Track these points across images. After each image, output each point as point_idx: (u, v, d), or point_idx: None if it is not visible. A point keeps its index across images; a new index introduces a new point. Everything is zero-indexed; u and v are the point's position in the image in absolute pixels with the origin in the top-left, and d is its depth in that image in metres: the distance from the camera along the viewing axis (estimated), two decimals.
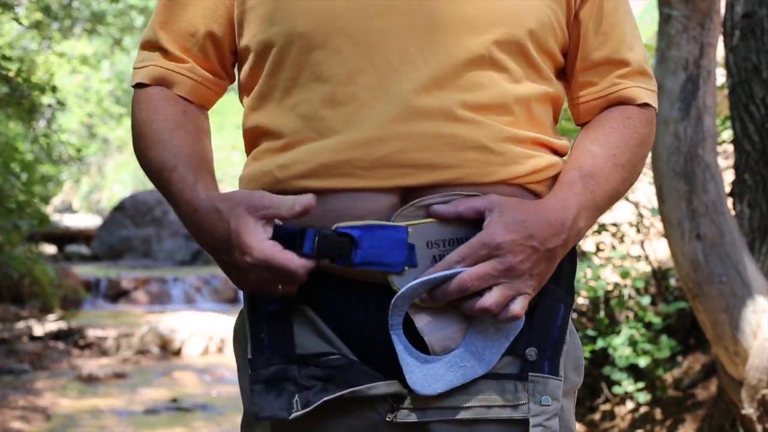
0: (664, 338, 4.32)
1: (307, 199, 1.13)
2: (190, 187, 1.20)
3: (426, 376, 1.17)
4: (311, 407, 1.16)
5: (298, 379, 1.18)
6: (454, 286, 1.14)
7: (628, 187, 1.29)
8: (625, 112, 1.30)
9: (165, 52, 1.32)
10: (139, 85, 1.33)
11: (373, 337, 1.19)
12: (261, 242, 1.12)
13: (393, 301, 1.15)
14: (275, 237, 1.14)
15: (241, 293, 1.28)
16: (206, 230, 1.17)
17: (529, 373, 1.19)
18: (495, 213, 1.15)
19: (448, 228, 1.18)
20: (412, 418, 1.18)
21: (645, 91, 1.32)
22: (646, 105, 1.32)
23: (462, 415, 1.18)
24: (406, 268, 1.16)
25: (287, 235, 1.15)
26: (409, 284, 1.15)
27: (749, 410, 3.28)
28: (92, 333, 8.43)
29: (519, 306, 1.15)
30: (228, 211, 1.14)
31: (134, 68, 1.35)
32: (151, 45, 1.34)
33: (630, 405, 4.57)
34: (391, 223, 1.16)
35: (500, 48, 1.20)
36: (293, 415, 1.16)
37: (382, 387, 1.17)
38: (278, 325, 1.21)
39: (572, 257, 1.27)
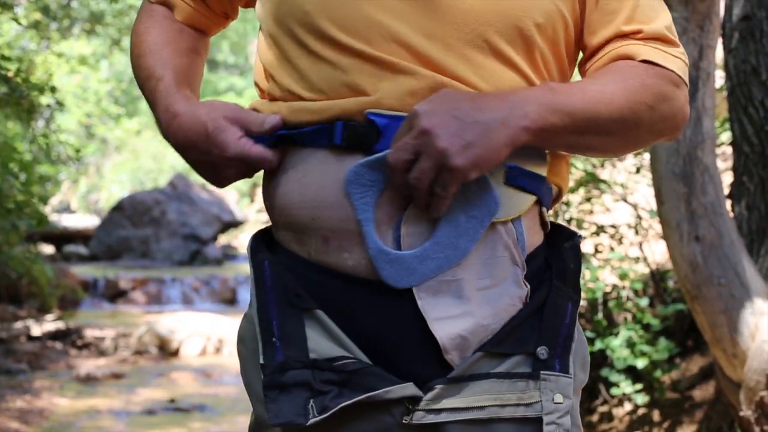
0: (662, 340, 4.32)
1: (275, 119, 1.21)
2: (173, 95, 1.28)
3: (398, 271, 1.17)
4: (329, 413, 1.14)
5: (313, 384, 1.16)
6: (387, 167, 1.13)
7: (627, 128, 1.19)
8: (628, 62, 1.22)
9: None
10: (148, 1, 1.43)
11: (389, 338, 1.19)
12: (236, 140, 1.22)
13: (344, 188, 1.17)
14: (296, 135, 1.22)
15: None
16: (186, 132, 1.24)
17: (541, 372, 1.19)
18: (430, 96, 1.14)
19: None
20: (428, 419, 1.18)
21: (654, 50, 1.22)
22: (653, 64, 1.21)
23: (477, 414, 1.18)
24: None
25: (316, 131, 1.20)
26: (350, 168, 1.17)
27: (747, 412, 3.28)
28: (90, 333, 8.42)
29: (439, 185, 1.11)
30: (206, 115, 1.23)
31: None
32: None
33: (628, 407, 4.57)
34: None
35: (503, 38, 1.19)
36: (311, 421, 1.14)
37: (398, 390, 1.16)
38: (290, 330, 1.20)
39: (577, 255, 1.27)
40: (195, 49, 1.40)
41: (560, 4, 1.22)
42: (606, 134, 1.19)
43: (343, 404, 1.14)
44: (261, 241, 1.28)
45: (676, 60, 1.23)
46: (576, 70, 1.33)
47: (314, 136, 1.20)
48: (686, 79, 1.24)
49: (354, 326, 1.19)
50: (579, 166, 5.00)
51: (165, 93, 1.29)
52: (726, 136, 4.63)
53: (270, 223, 1.32)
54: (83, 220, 16.85)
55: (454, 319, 1.18)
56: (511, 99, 1.13)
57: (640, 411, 4.49)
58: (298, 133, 1.21)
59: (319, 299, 1.20)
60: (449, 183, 1.11)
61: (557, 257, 1.25)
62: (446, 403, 1.18)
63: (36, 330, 8.30)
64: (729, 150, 4.75)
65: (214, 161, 1.24)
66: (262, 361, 1.19)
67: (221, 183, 1.28)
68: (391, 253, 1.17)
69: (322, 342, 1.19)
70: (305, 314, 1.20)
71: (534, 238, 1.24)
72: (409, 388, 1.17)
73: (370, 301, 1.19)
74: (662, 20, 1.25)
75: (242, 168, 1.24)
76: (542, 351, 1.20)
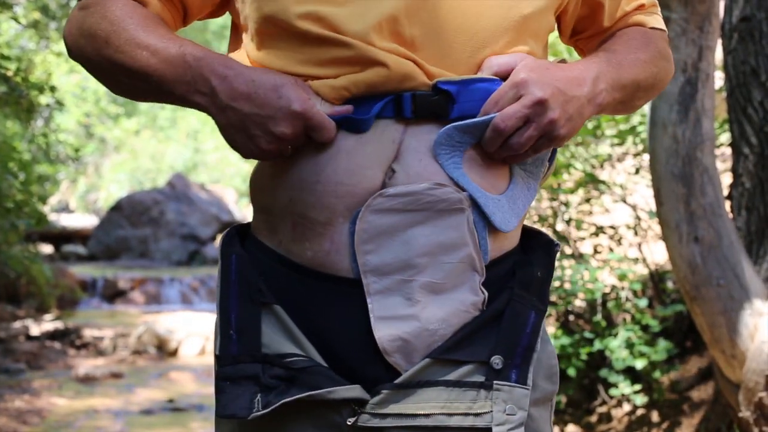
0: (661, 341, 4.32)
1: (346, 108, 1.16)
2: (213, 53, 1.18)
3: (504, 214, 1.20)
4: (270, 408, 1.16)
5: (262, 378, 1.18)
6: (490, 131, 1.16)
7: (651, 89, 1.33)
8: (641, 29, 1.36)
9: None
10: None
11: (340, 335, 1.19)
12: (305, 98, 1.15)
13: (433, 146, 1.17)
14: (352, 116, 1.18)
15: None
16: (248, 80, 1.15)
17: (494, 382, 1.17)
18: (520, 63, 1.19)
19: None
20: (373, 423, 1.17)
21: (654, 18, 1.38)
22: (658, 30, 1.38)
23: (422, 422, 1.17)
24: None
25: (383, 105, 1.17)
26: (443, 129, 1.17)
27: (746, 413, 3.28)
28: (89, 333, 8.42)
29: (535, 150, 1.19)
30: (276, 72, 1.17)
31: None
32: None
33: (627, 407, 4.57)
34: (487, 76, 1.19)
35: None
36: (252, 416, 1.16)
37: (341, 392, 1.16)
38: (246, 323, 1.21)
39: (548, 264, 1.26)
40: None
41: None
42: (639, 98, 1.32)
43: (284, 401, 1.15)
44: (234, 235, 1.28)
45: (661, 18, 1.41)
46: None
47: (377, 110, 1.17)
48: None
49: (309, 323, 1.20)
50: (578, 167, 5.01)
51: (201, 50, 1.18)
52: (725, 137, 4.64)
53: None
54: (82, 220, 16.85)
55: (397, 320, 1.17)
56: (593, 75, 1.22)
57: (639, 412, 4.49)
58: (358, 113, 1.18)
59: (279, 294, 1.21)
60: (543, 149, 1.20)
61: (524, 264, 1.24)
62: (392, 408, 1.17)
63: (34, 330, 8.29)
64: (728, 151, 4.76)
65: (269, 115, 1.14)
66: (217, 353, 1.22)
67: (253, 148, 1.17)
68: (494, 197, 1.20)
69: (275, 338, 1.20)
70: (264, 309, 1.21)
71: (503, 243, 1.23)
72: (354, 390, 1.17)
73: (325, 298, 1.19)
74: None
75: (296, 129, 1.15)
76: (497, 360, 1.18)
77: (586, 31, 1.39)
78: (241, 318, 1.21)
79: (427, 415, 1.16)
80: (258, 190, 1.27)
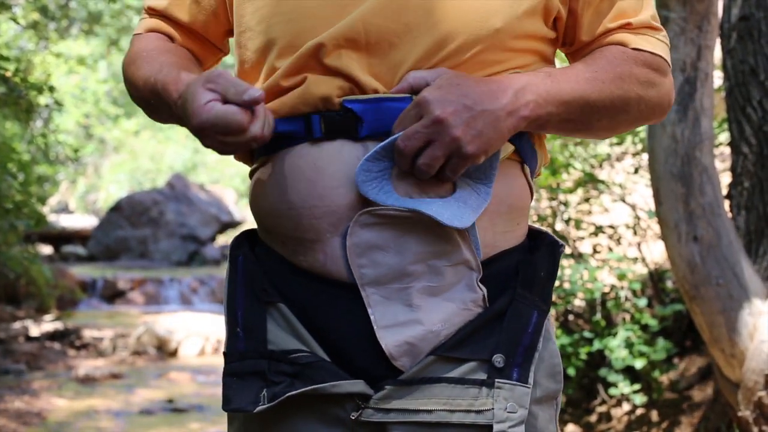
0: (660, 340, 4.32)
1: (258, 92, 1.13)
2: (175, 75, 1.23)
3: (453, 212, 1.17)
4: (275, 402, 1.18)
5: (268, 374, 1.21)
6: (396, 152, 1.15)
7: (616, 112, 1.23)
8: (620, 48, 1.26)
9: (170, 20, 1.39)
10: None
11: (344, 337, 1.20)
12: (201, 105, 1.13)
13: (356, 182, 1.16)
14: (276, 132, 1.18)
15: None
16: (184, 103, 1.18)
17: (496, 380, 1.18)
18: (435, 81, 1.16)
19: None
20: (375, 418, 1.19)
21: (643, 38, 1.26)
22: (643, 51, 1.26)
23: (424, 417, 1.18)
24: None
25: (290, 126, 1.20)
26: (360, 163, 1.16)
27: (745, 412, 3.28)
28: (88, 333, 8.42)
29: (450, 169, 1.15)
30: (190, 83, 1.17)
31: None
32: (146, 9, 1.42)
33: (626, 407, 4.57)
34: (396, 95, 1.18)
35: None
36: (257, 409, 1.19)
37: (345, 386, 1.18)
38: (253, 321, 1.24)
39: (552, 264, 1.26)
40: (193, 60, 1.39)
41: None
42: (596, 119, 1.24)
43: (289, 394, 1.18)
44: (244, 238, 1.32)
45: (661, 44, 1.28)
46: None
47: (291, 131, 1.21)
48: (670, 62, 1.30)
49: (313, 322, 1.22)
50: (578, 166, 5.01)
51: (172, 78, 1.23)
52: (724, 137, 4.63)
53: None
54: (81, 221, 16.86)
55: (400, 326, 1.19)
56: (514, 87, 1.16)
57: (639, 411, 4.49)
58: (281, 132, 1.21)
59: (284, 294, 1.24)
60: (459, 167, 1.15)
61: (527, 264, 1.24)
62: (395, 404, 1.18)
63: (34, 330, 8.29)
64: (727, 150, 4.76)
65: (194, 132, 1.17)
66: (225, 350, 1.25)
67: (221, 151, 1.19)
68: (437, 200, 1.17)
69: (280, 334, 1.23)
70: (269, 307, 1.24)
71: (495, 239, 1.24)
72: (358, 385, 1.19)
73: (328, 300, 1.21)
74: (647, 11, 1.29)
75: (218, 138, 1.14)
76: (498, 359, 1.19)
77: (572, 45, 1.31)
78: (247, 316, 1.24)
79: (429, 411, 1.18)
80: (251, 207, 1.31)
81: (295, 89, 1.20)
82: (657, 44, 1.27)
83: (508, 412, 1.17)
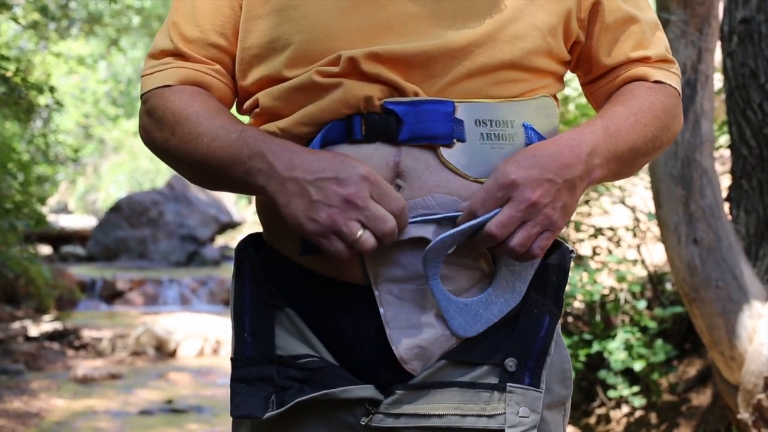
0: (659, 342, 4.32)
1: (404, 204, 1.13)
2: (271, 138, 1.18)
3: (466, 320, 1.17)
4: (285, 407, 1.17)
5: (276, 379, 1.19)
6: (483, 238, 1.14)
7: (652, 151, 1.28)
8: (645, 84, 1.30)
9: (184, 57, 1.28)
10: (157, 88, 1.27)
11: (353, 341, 1.20)
12: (399, 204, 1.12)
13: (424, 254, 1.14)
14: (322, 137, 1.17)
15: None
16: (303, 150, 1.14)
17: (508, 384, 1.18)
18: (504, 160, 1.16)
19: (499, 108, 1.20)
20: (386, 423, 1.18)
21: (662, 72, 1.31)
22: (664, 84, 1.31)
23: (436, 422, 1.18)
24: (455, 141, 1.17)
25: (334, 133, 1.17)
26: (438, 238, 1.14)
27: (745, 415, 3.28)
28: (87, 334, 8.41)
29: (539, 246, 1.15)
30: (354, 158, 1.14)
31: (145, 75, 1.29)
32: (165, 53, 1.29)
33: (625, 409, 4.57)
34: (437, 98, 1.17)
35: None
36: (267, 415, 1.18)
37: (355, 391, 1.18)
38: (260, 326, 1.23)
39: (562, 269, 1.26)
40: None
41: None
42: (641, 163, 1.28)
43: (299, 399, 1.17)
44: (249, 242, 1.30)
45: (675, 77, 1.33)
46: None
47: (329, 134, 1.18)
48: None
49: (322, 327, 1.22)
50: None
51: (261, 132, 1.18)
52: (724, 139, 4.64)
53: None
54: (81, 221, 16.85)
55: (413, 329, 1.18)
56: (585, 151, 1.17)
57: (638, 413, 4.49)
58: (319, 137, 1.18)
59: (292, 299, 1.23)
60: (548, 242, 1.16)
61: (539, 269, 1.24)
62: (406, 409, 1.18)
63: (33, 330, 8.29)
64: (727, 153, 4.76)
65: (333, 176, 1.11)
66: (233, 356, 1.23)
67: (314, 218, 1.12)
68: (460, 301, 1.17)
69: (289, 340, 1.22)
70: (277, 312, 1.23)
71: None
72: (368, 390, 1.18)
73: (337, 304, 1.21)
74: (663, 43, 1.34)
75: (363, 192, 1.11)
76: (510, 363, 1.19)
77: (591, 70, 1.34)
78: (254, 321, 1.23)
79: (440, 416, 1.18)
80: (260, 211, 1.29)
81: (333, 91, 1.17)
82: (672, 77, 1.32)
83: (521, 416, 1.17)
